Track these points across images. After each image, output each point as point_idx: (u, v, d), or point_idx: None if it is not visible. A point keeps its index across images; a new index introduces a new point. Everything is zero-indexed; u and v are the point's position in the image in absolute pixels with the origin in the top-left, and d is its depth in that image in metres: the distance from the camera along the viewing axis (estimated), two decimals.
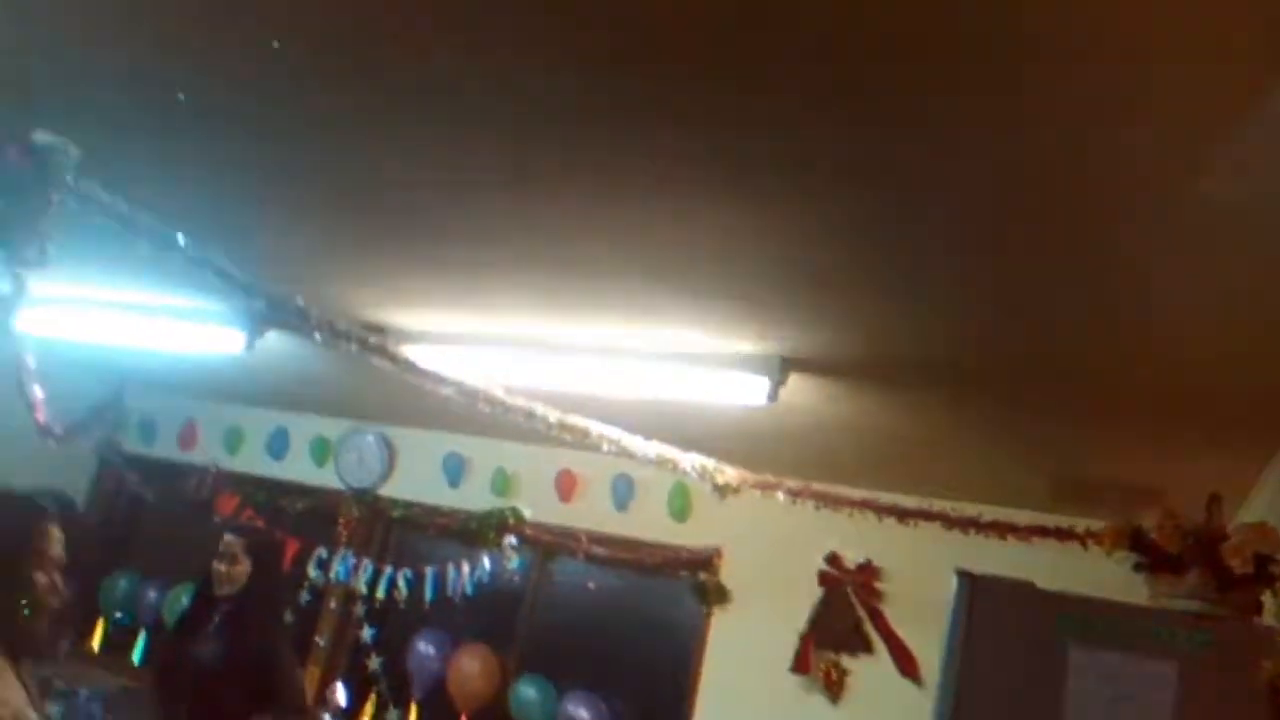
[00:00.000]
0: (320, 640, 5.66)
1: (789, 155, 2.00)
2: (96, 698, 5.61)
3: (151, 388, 6.33)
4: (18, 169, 2.56)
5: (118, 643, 6.25)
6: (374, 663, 5.58)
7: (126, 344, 4.81)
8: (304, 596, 5.71)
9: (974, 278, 2.43)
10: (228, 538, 3.98)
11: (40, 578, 2.53)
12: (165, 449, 6.39)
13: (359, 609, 5.66)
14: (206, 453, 6.24)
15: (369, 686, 5.55)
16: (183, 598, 5.97)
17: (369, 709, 5.49)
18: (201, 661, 3.77)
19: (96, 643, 6.29)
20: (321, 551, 5.67)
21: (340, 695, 5.44)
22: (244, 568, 3.89)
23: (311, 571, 5.66)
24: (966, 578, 2.73)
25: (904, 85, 1.70)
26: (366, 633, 5.62)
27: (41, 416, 4.32)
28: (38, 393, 4.10)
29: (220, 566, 3.90)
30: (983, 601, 2.67)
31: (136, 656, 6.15)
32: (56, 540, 2.65)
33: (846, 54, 1.64)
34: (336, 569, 5.61)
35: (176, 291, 4.04)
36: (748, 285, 2.72)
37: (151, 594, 6.16)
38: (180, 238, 2.76)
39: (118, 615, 6.31)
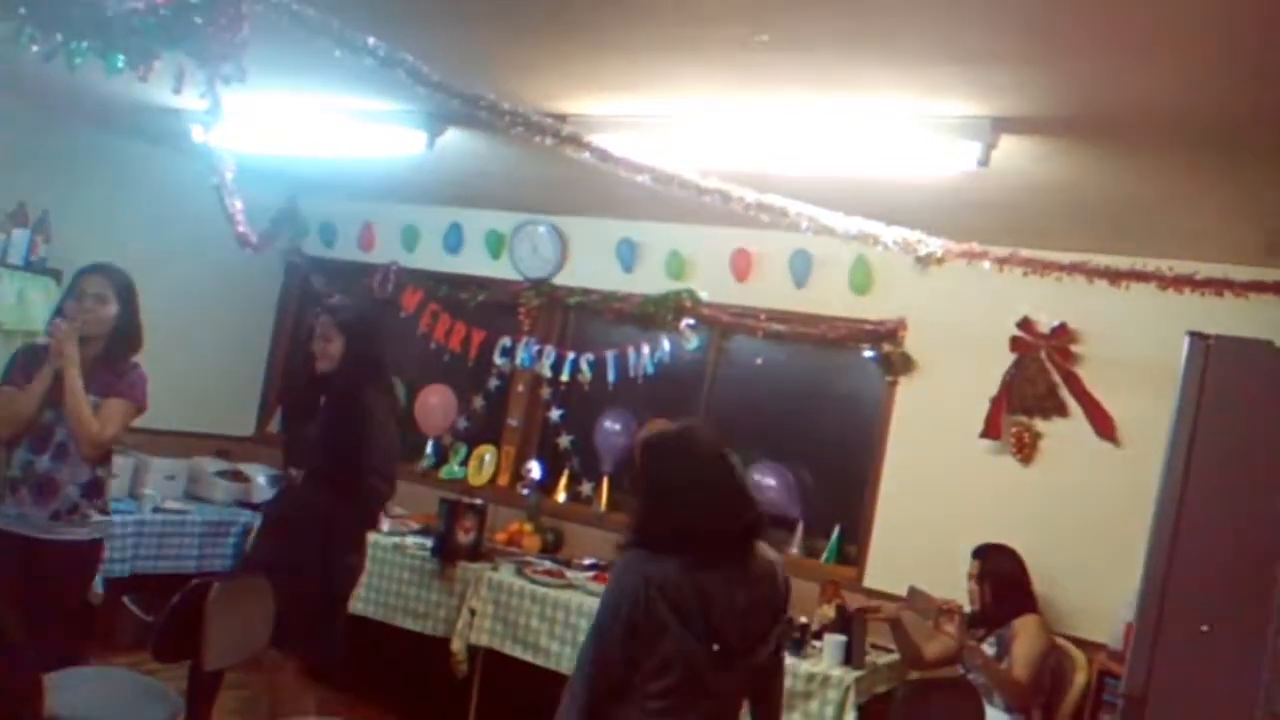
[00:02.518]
0: (513, 421, 5.96)
1: None
2: None
3: (328, 193, 6.49)
4: None
5: None
6: (564, 441, 5.85)
7: (307, 153, 4.91)
8: (493, 382, 5.99)
9: (1196, 26, 2.23)
10: (321, 318, 4.08)
11: None
12: (346, 250, 6.61)
13: (545, 392, 5.89)
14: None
15: (561, 462, 5.84)
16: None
17: (563, 483, 5.80)
18: (312, 438, 3.99)
19: None
20: (505, 340, 5.87)
21: (535, 470, 5.78)
22: (338, 345, 3.98)
23: (497, 359, 5.89)
24: (1199, 339, 2.64)
25: None
26: (554, 414, 5.87)
27: (241, 228, 4.52)
28: (237, 205, 4.27)
29: (315, 346, 4.02)
30: (1218, 363, 2.58)
31: None
32: None
33: None
34: (521, 356, 5.82)
35: (357, 97, 4.06)
36: (958, 43, 2.55)
37: None
38: (371, 40, 2.75)
39: None
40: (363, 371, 4.02)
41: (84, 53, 1.88)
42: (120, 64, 1.99)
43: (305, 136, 4.61)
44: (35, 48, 1.83)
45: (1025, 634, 3.99)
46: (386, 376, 4.26)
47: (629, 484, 3.11)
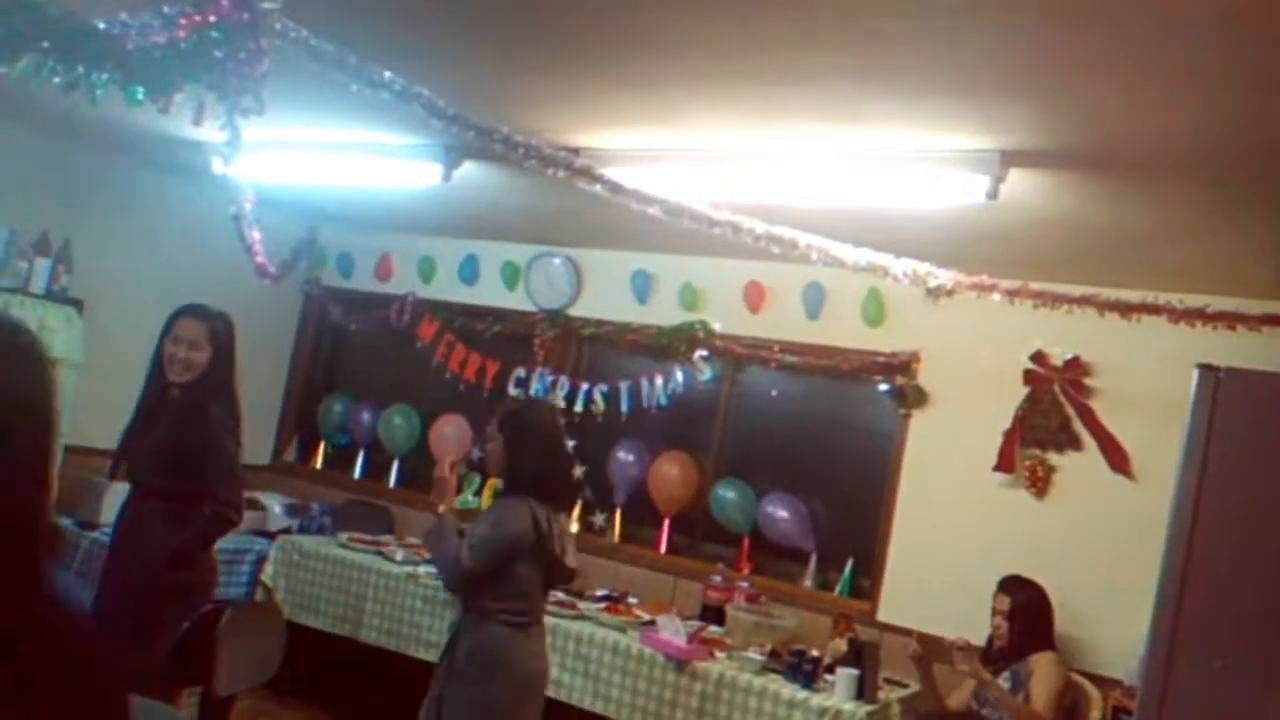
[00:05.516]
0: None
1: None
2: (326, 510, 6.13)
3: (346, 224, 6.56)
4: (229, 19, 2.62)
5: (336, 461, 6.77)
6: (577, 471, 5.85)
7: (325, 183, 4.98)
8: None
9: (1208, 63, 2.25)
10: (186, 320, 3.72)
11: None
12: (363, 281, 6.67)
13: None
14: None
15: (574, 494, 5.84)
16: (395, 418, 6.37)
17: (575, 513, 5.80)
18: (149, 450, 3.67)
19: (319, 462, 6.82)
20: (520, 370, 5.90)
21: None
22: (205, 355, 3.67)
23: (512, 389, 5.91)
24: (1209, 371, 2.63)
25: None
26: (568, 444, 5.87)
27: (260, 258, 4.57)
28: (255, 235, 4.33)
29: (178, 352, 3.65)
30: (1228, 396, 2.57)
31: (357, 473, 6.65)
32: None
33: None
34: (535, 386, 5.84)
35: (373, 130, 4.12)
36: (965, 77, 2.57)
37: (365, 416, 6.59)
38: (388, 74, 2.80)
39: (339, 437, 6.80)
40: (217, 388, 3.72)
41: (105, 85, 1.93)
42: (141, 96, 2.04)
43: (323, 168, 4.68)
44: (57, 80, 1.88)
45: (1042, 670, 3.97)
46: (235, 394, 3.82)
47: (506, 443, 3.57)
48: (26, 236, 5.30)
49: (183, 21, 2.53)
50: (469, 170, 4.30)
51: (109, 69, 1.88)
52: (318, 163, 4.64)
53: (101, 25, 1.90)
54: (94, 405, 4.73)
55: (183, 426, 3.64)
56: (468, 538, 3.41)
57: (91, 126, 4.88)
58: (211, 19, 2.55)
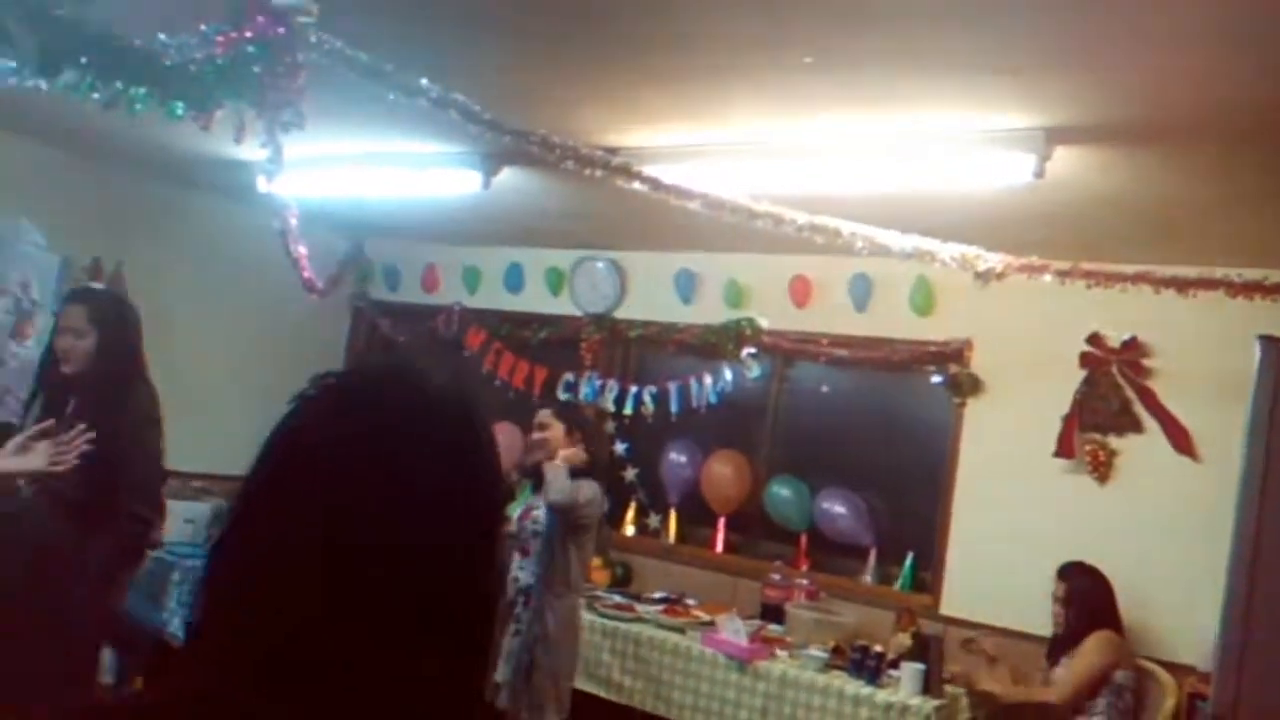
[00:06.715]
0: None
1: None
2: None
3: (391, 237, 6.62)
4: (265, 34, 2.65)
5: None
6: (629, 474, 5.85)
7: (368, 196, 5.02)
8: None
9: (1254, 23, 2.18)
10: (69, 307, 3.35)
11: None
12: (410, 293, 6.72)
13: (609, 426, 5.90)
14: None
15: (627, 496, 5.84)
16: None
17: (630, 516, 5.79)
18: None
19: None
20: (568, 375, 5.91)
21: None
22: (90, 341, 3.25)
23: (561, 394, 5.91)
24: (1271, 343, 2.56)
25: None
26: (619, 447, 5.87)
27: (307, 273, 4.62)
28: (301, 251, 4.37)
29: (61, 342, 3.26)
30: None
31: None
32: None
33: None
34: (584, 391, 5.84)
35: (412, 140, 4.15)
36: (1006, 55, 2.52)
37: None
38: (424, 82, 2.81)
39: None
40: (118, 372, 3.31)
41: (143, 99, 1.96)
42: (180, 111, 2.07)
43: (365, 180, 4.72)
44: (96, 95, 1.91)
45: (1082, 652, 3.88)
46: (145, 376, 3.45)
47: (583, 435, 4.20)
48: (79, 263, 5.41)
49: (220, 39, 2.56)
50: (508, 176, 4.31)
51: (146, 83, 1.90)
52: (360, 176, 4.68)
53: (138, 43, 1.92)
54: None
55: (83, 424, 2.97)
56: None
57: (138, 151, 4.97)
58: (248, 35, 2.59)
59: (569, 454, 4.06)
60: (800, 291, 5.27)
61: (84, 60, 1.80)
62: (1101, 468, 4.43)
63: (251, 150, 2.96)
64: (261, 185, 3.23)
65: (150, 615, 4.11)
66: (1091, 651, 3.87)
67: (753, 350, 5.30)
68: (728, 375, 5.34)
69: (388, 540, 0.84)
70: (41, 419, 3.16)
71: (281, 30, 2.60)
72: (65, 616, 2.81)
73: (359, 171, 4.65)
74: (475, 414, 0.94)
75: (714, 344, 5.43)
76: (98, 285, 3.55)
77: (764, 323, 5.31)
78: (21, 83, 1.91)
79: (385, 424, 0.89)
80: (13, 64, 2.17)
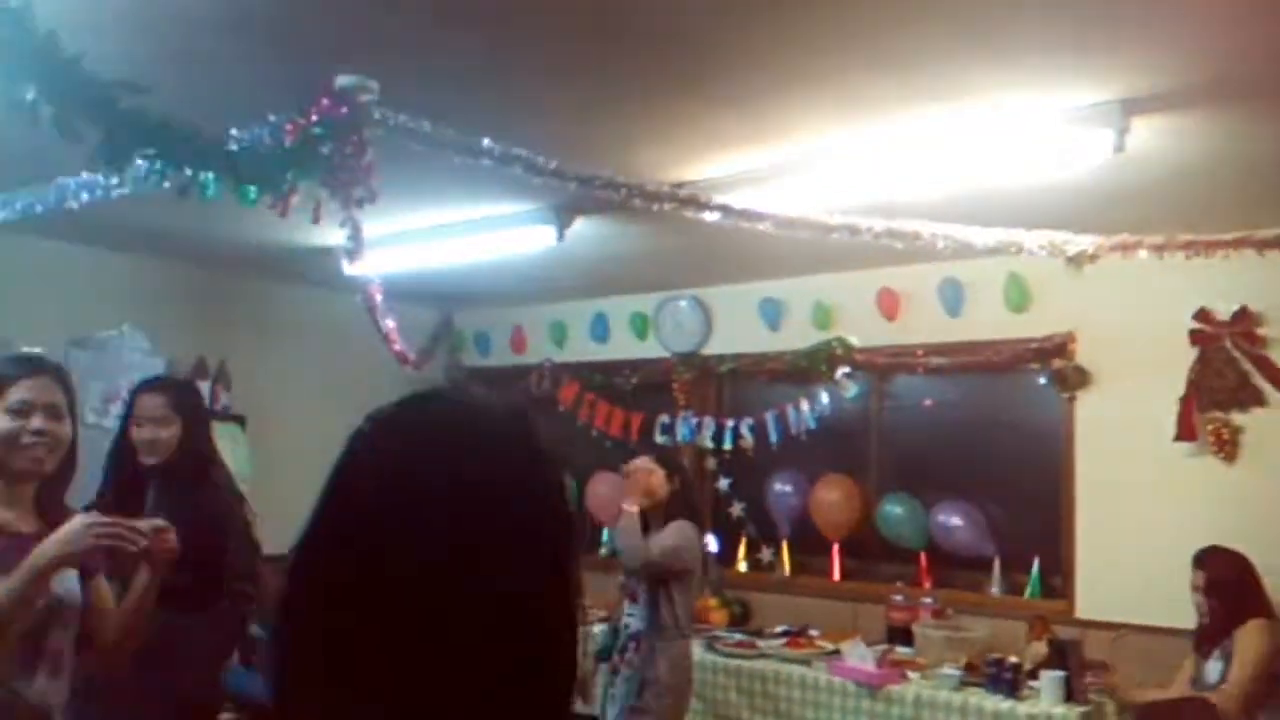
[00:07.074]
0: None
1: None
2: None
3: (477, 304, 6.73)
4: (330, 115, 2.72)
5: None
6: (736, 509, 5.79)
7: (448, 264, 5.12)
8: None
9: None
10: (144, 396, 3.17)
11: None
12: (500, 356, 6.81)
13: (710, 463, 5.86)
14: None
15: (737, 532, 5.77)
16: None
17: (741, 552, 5.72)
18: None
19: None
20: (663, 418, 5.89)
21: (711, 543, 5.70)
22: (174, 431, 3.13)
23: (658, 437, 5.89)
24: None
25: None
26: (723, 483, 5.82)
27: (397, 346, 4.71)
28: (390, 325, 4.47)
29: (144, 433, 3.12)
30: None
31: None
32: None
33: None
34: (681, 431, 5.81)
35: (483, 203, 4.22)
36: (1071, 28, 2.46)
37: None
38: (486, 142, 2.86)
39: None
40: (202, 456, 3.24)
41: (213, 185, 2.02)
42: (254, 195, 2.12)
43: (445, 250, 4.82)
44: (166, 184, 1.98)
45: (1243, 641, 3.64)
46: (218, 457, 3.40)
47: (681, 479, 4.22)
48: (185, 363, 5.61)
49: (288, 128, 2.65)
50: (582, 226, 4.35)
51: (215, 169, 1.97)
52: (440, 246, 4.78)
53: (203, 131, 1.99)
54: (265, 517, 4.91)
55: (172, 512, 2.74)
56: (655, 542, 3.92)
57: (230, 250, 5.17)
58: (314, 118, 2.67)
59: (637, 500, 4.02)
60: (889, 304, 5.18)
61: (151, 150, 1.87)
62: (1227, 446, 4.23)
63: (333, 235, 3.04)
64: (346, 267, 3.32)
65: (247, 684, 4.21)
66: (1249, 646, 3.62)
67: (847, 370, 5.22)
68: (824, 399, 5.27)
69: (451, 589, 0.80)
70: (113, 507, 2.88)
71: (345, 110, 2.68)
72: (179, 701, 3.01)
73: (439, 243, 4.75)
74: (530, 429, 0.90)
75: (806, 368, 5.37)
76: (165, 375, 3.48)
77: (855, 341, 5.23)
78: (95, 174, 1.99)
79: (435, 455, 0.86)
80: (95, 176, 2.27)
